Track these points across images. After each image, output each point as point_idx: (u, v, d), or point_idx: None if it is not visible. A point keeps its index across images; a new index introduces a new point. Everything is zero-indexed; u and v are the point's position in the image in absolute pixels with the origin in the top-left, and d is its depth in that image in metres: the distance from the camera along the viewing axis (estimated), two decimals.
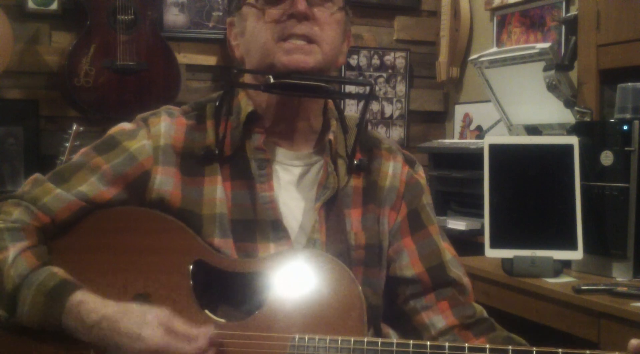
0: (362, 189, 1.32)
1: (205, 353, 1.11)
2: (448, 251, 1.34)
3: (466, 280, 1.34)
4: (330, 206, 1.28)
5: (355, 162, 1.31)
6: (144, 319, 1.11)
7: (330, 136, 1.30)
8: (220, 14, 3.63)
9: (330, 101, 1.34)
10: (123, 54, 3.26)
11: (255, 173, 1.27)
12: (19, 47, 3.33)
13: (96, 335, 1.13)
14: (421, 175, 1.39)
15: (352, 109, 3.67)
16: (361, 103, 1.34)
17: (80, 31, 3.26)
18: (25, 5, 3.31)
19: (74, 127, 2.85)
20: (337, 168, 1.30)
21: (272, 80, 1.21)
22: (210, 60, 3.65)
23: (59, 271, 1.19)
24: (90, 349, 1.16)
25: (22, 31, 3.35)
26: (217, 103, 1.29)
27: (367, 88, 1.33)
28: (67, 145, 2.80)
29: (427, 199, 1.37)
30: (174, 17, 3.58)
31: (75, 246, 1.24)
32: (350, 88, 1.35)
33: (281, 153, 1.30)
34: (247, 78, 1.32)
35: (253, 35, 1.26)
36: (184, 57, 3.59)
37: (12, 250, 1.18)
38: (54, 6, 3.34)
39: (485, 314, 1.33)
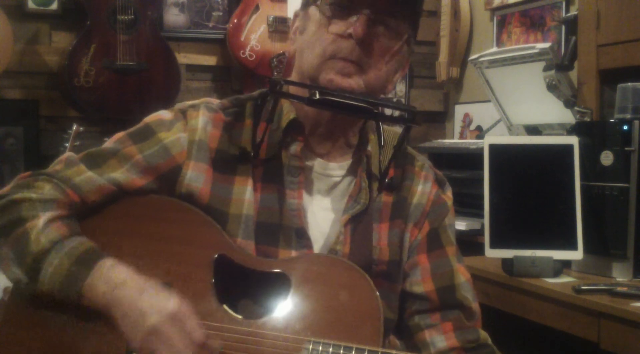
0: (391, 204, 1.32)
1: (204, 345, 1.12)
2: (462, 274, 1.34)
3: (475, 305, 1.34)
4: (359, 220, 1.28)
5: (387, 181, 1.31)
6: (169, 292, 1.14)
7: (368, 152, 1.30)
8: (220, 14, 3.64)
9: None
10: (123, 54, 3.26)
11: (286, 179, 1.27)
12: (19, 47, 3.33)
13: (116, 295, 1.14)
14: (449, 196, 1.39)
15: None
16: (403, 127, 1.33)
17: (80, 31, 3.26)
18: (25, 5, 3.31)
19: (74, 127, 2.85)
20: (370, 183, 1.30)
21: (317, 96, 1.20)
22: (210, 60, 3.66)
23: (89, 242, 1.20)
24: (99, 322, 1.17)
25: (22, 31, 3.35)
26: (259, 103, 1.29)
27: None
28: (67, 145, 2.80)
29: (450, 220, 1.37)
30: (174, 17, 3.59)
31: (102, 228, 1.25)
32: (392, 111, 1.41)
33: (316, 163, 1.30)
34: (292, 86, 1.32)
35: (310, 42, 1.25)
36: (184, 57, 3.59)
37: (43, 218, 1.19)
38: (54, 6, 3.34)
39: (489, 341, 1.33)
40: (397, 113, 1.73)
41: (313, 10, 1.26)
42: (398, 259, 1.31)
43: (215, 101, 1.34)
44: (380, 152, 1.33)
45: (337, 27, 1.22)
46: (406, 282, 1.32)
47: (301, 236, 1.25)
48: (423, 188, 1.35)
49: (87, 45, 3.24)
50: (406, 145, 1.40)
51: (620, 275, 2.04)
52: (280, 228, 1.25)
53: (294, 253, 1.24)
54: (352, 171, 1.32)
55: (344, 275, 1.19)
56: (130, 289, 1.14)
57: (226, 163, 1.28)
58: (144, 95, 3.32)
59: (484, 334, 1.32)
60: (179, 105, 1.33)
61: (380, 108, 1.27)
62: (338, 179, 1.31)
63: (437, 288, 1.31)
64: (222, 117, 1.30)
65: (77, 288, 1.15)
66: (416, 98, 4.00)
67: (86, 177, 1.24)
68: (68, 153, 1.30)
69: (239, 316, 1.18)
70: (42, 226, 1.18)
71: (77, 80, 3.22)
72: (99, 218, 1.26)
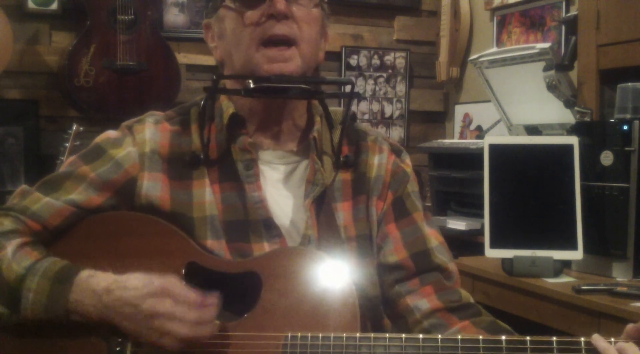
0: (351, 182, 1.33)
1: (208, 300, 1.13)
2: (434, 237, 1.35)
3: (452, 266, 1.34)
4: (320, 203, 1.29)
5: (342, 159, 1.32)
6: (151, 276, 1.14)
7: (315, 133, 1.31)
8: None
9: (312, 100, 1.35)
10: (123, 54, 3.26)
11: (242, 174, 1.28)
12: (19, 47, 3.33)
13: (106, 302, 1.14)
14: (408, 163, 1.39)
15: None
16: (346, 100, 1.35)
17: (80, 31, 3.26)
18: (25, 5, 3.31)
19: (74, 127, 2.85)
20: (324, 164, 1.31)
21: (252, 85, 1.22)
22: (210, 60, 3.65)
23: (61, 260, 1.20)
24: (94, 336, 1.16)
25: (22, 31, 3.35)
26: (201, 108, 1.30)
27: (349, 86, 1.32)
28: (67, 145, 2.80)
29: (412, 187, 1.37)
30: (174, 17, 3.59)
31: (68, 251, 1.24)
32: (334, 87, 1.39)
33: (267, 153, 1.31)
34: (228, 82, 1.33)
35: (233, 39, 1.27)
36: (184, 57, 3.59)
37: (10, 247, 1.19)
38: (54, 6, 3.34)
39: (471, 300, 1.33)
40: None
41: (223, 11, 1.28)
42: (367, 233, 1.31)
43: (159, 113, 1.35)
44: (331, 132, 1.34)
45: (254, 14, 1.24)
46: (380, 254, 1.33)
47: (269, 227, 1.25)
48: (380, 159, 1.35)
49: (87, 45, 3.23)
50: (358, 123, 1.40)
51: (620, 275, 2.04)
52: (248, 223, 1.25)
53: (266, 245, 1.25)
54: (304, 156, 1.32)
55: (314, 265, 1.18)
56: (116, 291, 1.13)
57: (180, 170, 1.28)
58: (144, 95, 3.32)
59: (465, 294, 1.33)
60: (125, 123, 1.34)
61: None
62: (292, 165, 1.32)
63: (411, 254, 1.31)
64: (168, 127, 1.32)
65: (63, 306, 1.15)
66: (416, 98, 4.00)
67: (43, 203, 1.25)
68: (23, 186, 1.30)
69: (216, 321, 1.17)
70: (11, 254, 1.18)
71: (77, 80, 3.22)
72: (63, 241, 1.25)
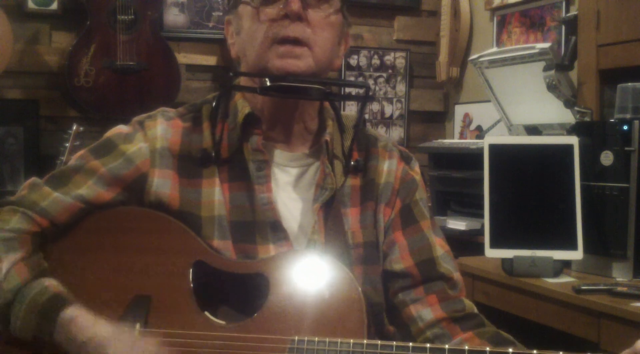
0: (359, 188, 1.33)
1: None
2: (440, 246, 1.34)
3: (457, 276, 1.34)
4: (329, 207, 1.28)
5: (352, 163, 1.32)
6: (130, 350, 1.11)
7: (327, 137, 1.30)
8: (220, 14, 3.64)
9: (326, 101, 1.35)
10: (123, 54, 3.26)
11: (253, 174, 1.27)
12: (19, 47, 3.33)
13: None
14: (417, 171, 1.39)
15: (352, 109, 3.67)
16: (360, 104, 1.34)
17: (80, 31, 3.27)
18: (25, 5, 3.31)
19: (74, 127, 2.86)
20: (334, 168, 1.30)
21: (268, 83, 1.21)
22: (210, 60, 3.66)
23: (51, 285, 1.18)
24: None
25: (22, 31, 3.35)
26: (214, 105, 1.29)
27: (364, 89, 1.33)
28: (67, 145, 2.80)
29: (420, 195, 1.37)
30: (174, 17, 3.59)
31: (76, 246, 1.24)
32: (348, 89, 1.38)
33: (278, 155, 1.31)
34: (244, 80, 1.33)
35: (248, 35, 1.26)
36: (184, 57, 3.59)
37: (5, 263, 1.18)
38: (54, 6, 3.34)
39: (475, 310, 1.33)
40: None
41: (242, 8, 1.27)
42: (374, 240, 1.31)
43: (171, 110, 1.34)
44: (343, 136, 1.34)
45: (270, 12, 1.23)
46: (386, 262, 1.32)
47: (276, 230, 1.25)
48: (389, 166, 1.35)
49: (87, 45, 3.24)
50: (368, 127, 1.39)
51: (620, 275, 2.04)
52: (255, 224, 1.25)
53: (272, 248, 1.24)
54: (315, 159, 1.32)
55: (323, 269, 1.18)
56: (95, 344, 1.12)
57: (190, 167, 1.28)
58: (144, 95, 3.32)
59: (469, 304, 1.32)
60: (136, 118, 1.33)
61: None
62: (303, 168, 1.31)
63: (417, 262, 1.31)
64: (180, 124, 1.31)
65: (48, 340, 1.15)
66: (416, 98, 4.00)
67: (52, 198, 1.24)
68: (32, 178, 1.29)
69: (222, 322, 1.17)
70: (4, 273, 1.17)
71: (77, 80, 3.23)
72: (71, 236, 1.25)
